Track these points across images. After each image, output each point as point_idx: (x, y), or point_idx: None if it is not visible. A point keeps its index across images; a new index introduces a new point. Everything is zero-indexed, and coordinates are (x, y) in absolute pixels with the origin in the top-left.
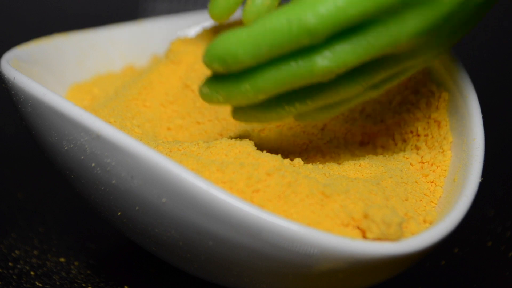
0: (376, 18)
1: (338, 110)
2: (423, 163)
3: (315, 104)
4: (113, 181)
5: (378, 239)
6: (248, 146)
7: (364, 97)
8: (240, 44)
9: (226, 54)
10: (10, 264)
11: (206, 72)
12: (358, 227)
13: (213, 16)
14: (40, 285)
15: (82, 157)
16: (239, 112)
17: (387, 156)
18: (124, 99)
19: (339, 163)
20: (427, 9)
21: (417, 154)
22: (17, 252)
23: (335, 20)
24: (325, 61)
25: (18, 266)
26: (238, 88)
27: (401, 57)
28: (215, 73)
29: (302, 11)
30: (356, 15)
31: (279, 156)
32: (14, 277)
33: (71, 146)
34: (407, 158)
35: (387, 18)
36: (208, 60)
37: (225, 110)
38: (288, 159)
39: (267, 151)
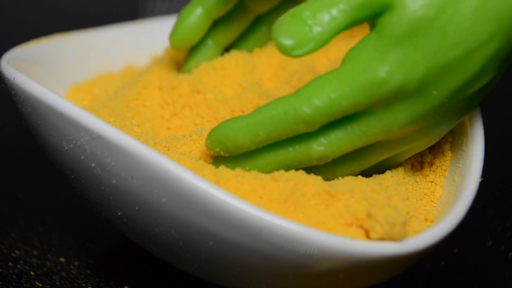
0: (368, 109)
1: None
2: (423, 163)
3: None
4: (113, 181)
5: (382, 239)
6: None
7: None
8: (239, 131)
9: (227, 139)
10: (10, 264)
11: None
12: (361, 227)
13: (172, 45)
14: (40, 285)
15: (82, 157)
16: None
17: None
18: (124, 99)
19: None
20: (416, 101)
21: (417, 154)
22: (17, 252)
23: (329, 110)
24: (321, 147)
25: (18, 266)
26: (240, 164)
27: (395, 143)
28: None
29: (298, 102)
30: (349, 107)
31: None
32: (14, 277)
33: (71, 146)
34: (407, 158)
35: (378, 109)
36: (210, 144)
37: (224, 110)
38: None
39: None
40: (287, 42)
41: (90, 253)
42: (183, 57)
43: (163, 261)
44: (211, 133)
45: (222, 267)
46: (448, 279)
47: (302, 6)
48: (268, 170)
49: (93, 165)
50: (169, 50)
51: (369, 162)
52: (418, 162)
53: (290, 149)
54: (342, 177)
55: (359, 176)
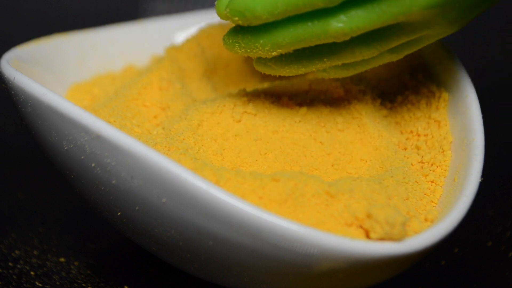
0: None
1: (357, 69)
2: (423, 163)
3: (333, 62)
4: (113, 181)
5: (382, 239)
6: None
7: (383, 60)
8: (258, 1)
9: (245, 9)
10: (10, 264)
11: (205, 72)
12: (361, 227)
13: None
14: (40, 285)
15: (82, 157)
16: (260, 63)
17: (387, 156)
18: (124, 99)
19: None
20: None
21: (417, 154)
22: (17, 252)
23: None
24: (340, 24)
25: (18, 266)
26: (257, 41)
27: (415, 26)
28: (236, 25)
29: None
30: None
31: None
32: (14, 277)
33: (71, 146)
34: (407, 158)
35: None
36: (229, 13)
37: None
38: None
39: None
40: None
41: (90, 253)
42: (183, 57)
43: (163, 261)
44: (231, 3)
45: (222, 267)
46: (448, 279)
47: (244, 32)
48: (285, 44)
49: (93, 165)
50: (169, 50)
51: (389, 44)
52: (418, 162)
53: (309, 23)
54: (362, 58)
55: (360, 177)
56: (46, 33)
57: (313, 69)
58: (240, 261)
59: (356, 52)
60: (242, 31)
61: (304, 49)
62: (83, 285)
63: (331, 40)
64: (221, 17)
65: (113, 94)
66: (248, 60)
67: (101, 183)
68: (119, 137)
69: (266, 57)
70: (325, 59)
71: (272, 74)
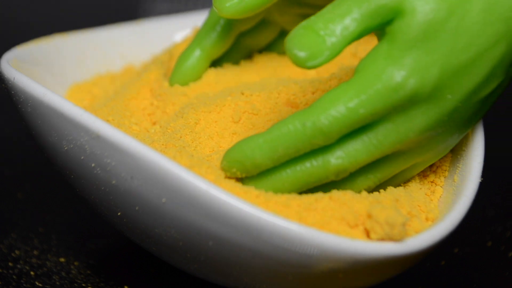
0: (385, 117)
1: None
2: None
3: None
4: (113, 181)
5: (382, 239)
6: None
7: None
8: (257, 148)
9: (244, 158)
10: (10, 264)
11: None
12: (362, 227)
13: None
14: (40, 285)
15: (82, 157)
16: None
17: None
18: (123, 98)
19: None
20: (432, 106)
21: None
22: (17, 252)
23: (347, 120)
24: (339, 160)
25: (18, 266)
26: (259, 184)
27: (410, 153)
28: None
29: (315, 115)
30: (366, 115)
31: None
32: (14, 277)
33: (71, 146)
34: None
35: (395, 116)
36: (226, 165)
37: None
38: None
39: None
40: (301, 53)
41: (90, 253)
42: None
43: (163, 261)
44: (227, 154)
45: (222, 267)
46: (448, 279)
47: (313, 18)
48: (285, 189)
49: (93, 165)
50: (168, 50)
51: (386, 175)
52: None
53: (307, 164)
54: (359, 190)
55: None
56: (46, 33)
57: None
58: (240, 261)
59: (354, 187)
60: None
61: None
62: (83, 285)
63: (331, 178)
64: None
65: (112, 94)
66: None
67: (101, 183)
68: (119, 137)
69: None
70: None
71: None
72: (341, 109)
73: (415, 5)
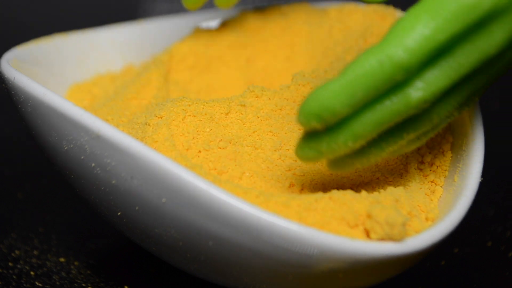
0: (463, 38)
1: (427, 137)
2: (424, 163)
3: (411, 136)
4: (113, 181)
5: (382, 239)
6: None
7: (452, 119)
8: (335, 97)
9: (323, 109)
10: (10, 264)
11: (205, 71)
12: (362, 227)
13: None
14: (40, 285)
15: (82, 157)
16: (336, 163)
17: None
18: (122, 98)
19: None
20: (511, 16)
21: (418, 154)
22: (17, 252)
23: (426, 50)
24: (419, 92)
25: (18, 266)
26: (338, 140)
27: (491, 63)
28: (310, 130)
29: (391, 49)
30: (445, 40)
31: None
32: (14, 277)
33: (71, 146)
34: (407, 158)
35: (473, 35)
36: (304, 119)
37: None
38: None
39: None
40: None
41: (90, 253)
42: (183, 56)
43: (163, 261)
44: (303, 107)
45: (222, 267)
46: (448, 279)
47: (319, 136)
48: (368, 133)
49: (93, 165)
50: (169, 50)
51: (463, 95)
52: (419, 162)
53: (387, 102)
54: (440, 119)
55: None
56: (46, 33)
57: (392, 150)
58: (240, 261)
59: (433, 116)
60: (317, 135)
61: (382, 132)
62: (83, 285)
63: (412, 113)
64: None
65: (112, 94)
66: (246, 59)
67: (101, 183)
68: (119, 137)
69: (344, 155)
70: (404, 135)
71: (348, 171)
72: (418, 38)
73: None
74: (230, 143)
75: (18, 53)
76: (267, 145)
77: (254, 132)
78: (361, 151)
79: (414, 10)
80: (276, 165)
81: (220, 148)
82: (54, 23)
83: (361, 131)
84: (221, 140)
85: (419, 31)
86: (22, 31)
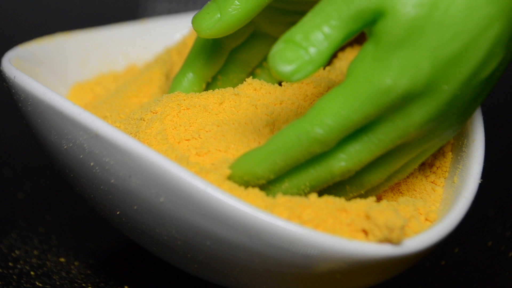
0: (382, 117)
1: (370, 195)
2: (424, 164)
3: (343, 195)
4: (112, 180)
5: (380, 242)
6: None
7: (392, 182)
8: (257, 163)
9: (246, 174)
10: (10, 264)
11: None
12: (360, 228)
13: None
14: (40, 285)
15: (81, 156)
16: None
17: None
18: (123, 96)
19: None
20: (429, 99)
21: None
22: (17, 252)
23: (341, 127)
24: (342, 163)
25: (18, 266)
26: (272, 190)
27: (416, 143)
28: None
29: (308, 125)
30: (360, 120)
31: None
32: (14, 277)
33: (70, 145)
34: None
35: (392, 115)
36: (232, 179)
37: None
38: None
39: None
40: (286, 68)
41: (90, 253)
42: (184, 56)
43: (163, 261)
44: (232, 169)
45: (221, 267)
46: (448, 279)
47: (293, 29)
48: (294, 194)
49: (92, 164)
50: (170, 49)
51: (394, 166)
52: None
53: (311, 170)
54: (372, 186)
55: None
56: (48, 33)
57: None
58: (238, 261)
59: (364, 182)
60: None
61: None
62: (83, 285)
63: (337, 180)
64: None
65: (113, 92)
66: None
67: (100, 182)
68: (117, 136)
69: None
70: (333, 192)
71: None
72: (334, 117)
73: (396, 5)
74: (219, 126)
75: (20, 52)
76: (259, 122)
77: (246, 116)
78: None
79: (334, 91)
80: (266, 137)
81: (207, 131)
82: (53, 22)
83: (290, 190)
84: (209, 124)
85: (335, 111)
86: (24, 30)
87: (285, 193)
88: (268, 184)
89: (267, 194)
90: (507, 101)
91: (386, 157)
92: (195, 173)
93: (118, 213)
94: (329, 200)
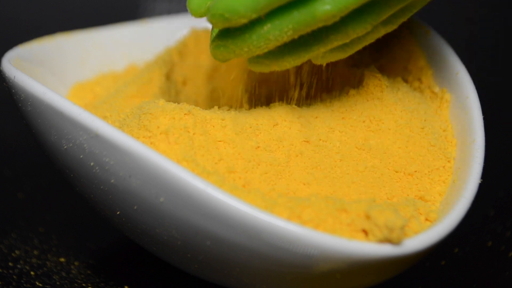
0: None
1: (353, 48)
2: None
3: (327, 46)
4: (112, 180)
5: (380, 242)
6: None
7: (379, 34)
8: (239, 1)
9: (227, 11)
10: (10, 264)
11: (206, 70)
12: (360, 227)
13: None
14: (40, 285)
15: (81, 156)
16: (253, 62)
17: None
18: (123, 96)
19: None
20: None
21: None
22: (17, 252)
23: None
24: (326, 6)
25: (18, 266)
26: (246, 39)
27: None
28: (220, 30)
29: None
30: None
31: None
32: (14, 277)
33: (70, 145)
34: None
35: None
36: (211, 19)
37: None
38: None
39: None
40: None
41: (90, 253)
42: (184, 56)
43: (163, 261)
44: (211, 8)
45: (221, 267)
46: (448, 279)
47: (232, 35)
48: (274, 38)
49: (92, 164)
50: (170, 49)
51: (380, 16)
52: None
53: (295, 12)
54: (357, 35)
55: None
56: (48, 33)
57: (308, 57)
58: (238, 261)
59: (349, 31)
60: (228, 34)
61: (296, 38)
62: (83, 285)
63: (321, 25)
64: (197, 16)
65: (114, 92)
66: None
67: (100, 182)
68: (117, 136)
69: (259, 54)
70: (320, 44)
71: (267, 71)
72: None
73: None
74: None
75: (21, 52)
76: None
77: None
78: (276, 54)
79: None
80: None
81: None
82: (52, 22)
83: (269, 34)
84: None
85: None
86: (24, 30)
87: (267, 35)
88: (250, 25)
89: (250, 36)
90: (507, 101)
91: (373, 5)
92: (196, 173)
93: (118, 213)
94: (329, 200)
